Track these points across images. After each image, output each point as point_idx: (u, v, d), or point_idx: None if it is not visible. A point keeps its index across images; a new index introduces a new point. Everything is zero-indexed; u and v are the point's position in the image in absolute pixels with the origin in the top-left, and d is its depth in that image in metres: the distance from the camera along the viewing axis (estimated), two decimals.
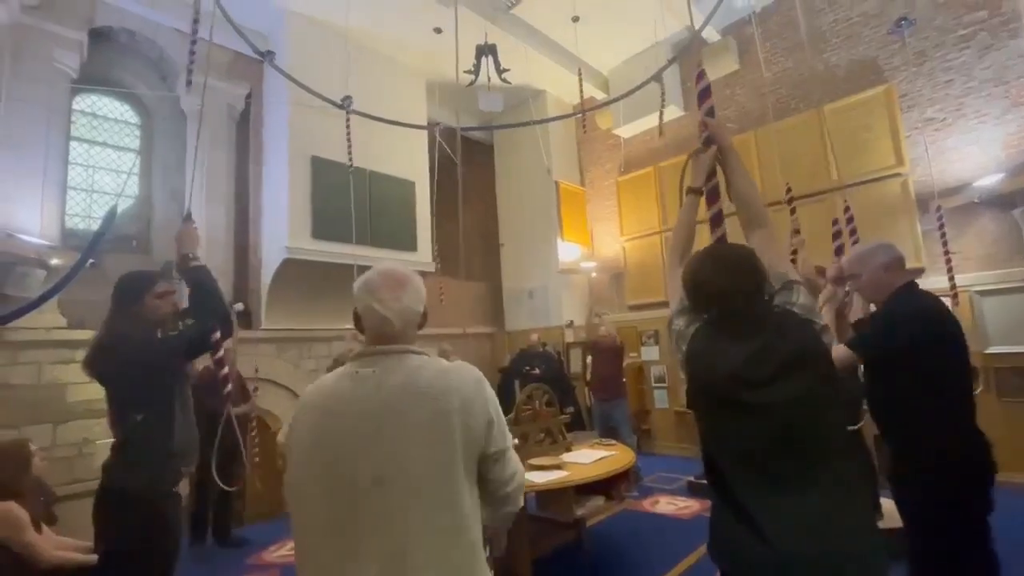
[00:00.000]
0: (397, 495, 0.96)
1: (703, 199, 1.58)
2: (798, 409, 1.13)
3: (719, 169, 1.58)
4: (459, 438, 1.00)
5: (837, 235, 3.15)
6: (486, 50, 5.08)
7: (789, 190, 3.27)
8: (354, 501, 0.97)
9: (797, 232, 2.90)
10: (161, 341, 1.91)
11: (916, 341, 1.73)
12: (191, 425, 1.98)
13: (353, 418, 1.01)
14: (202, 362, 3.76)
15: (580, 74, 5.55)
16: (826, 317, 2.03)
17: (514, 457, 1.14)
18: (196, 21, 2.72)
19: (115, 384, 1.85)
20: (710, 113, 1.66)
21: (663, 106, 4.60)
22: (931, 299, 1.86)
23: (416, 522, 0.95)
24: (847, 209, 3.33)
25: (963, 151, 4.78)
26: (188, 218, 2.08)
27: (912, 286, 1.89)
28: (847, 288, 2.19)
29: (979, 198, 4.54)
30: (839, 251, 2.61)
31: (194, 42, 2.76)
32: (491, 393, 1.10)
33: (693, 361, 1.27)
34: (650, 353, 6.81)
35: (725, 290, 1.21)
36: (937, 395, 1.72)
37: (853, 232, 3.19)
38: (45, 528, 2.51)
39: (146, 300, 1.94)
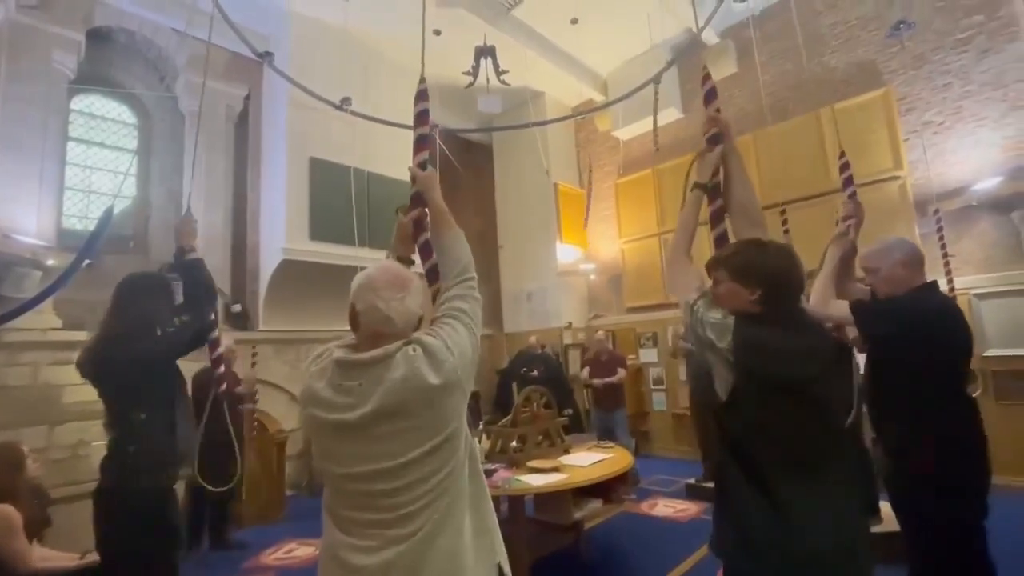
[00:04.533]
0: (389, 483, 1.00)
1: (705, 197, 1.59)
2: (834, 403, 1.25)
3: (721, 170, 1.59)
4: (444, 419, 1.03)
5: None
6: (485, 52, 5.08)
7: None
8: (350, 488, 1.04)
9: (786, 231, 2.84)
10: (162, 337, 1.91)
11: (922, 337, 1.71)
12: (190, 427, 1.98)
13: (344, 427, 1.02)
14: (200, 364, 3.73)
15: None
16: (832, 257, 2.02)
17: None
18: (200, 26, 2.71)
19: (117, 384, 1.84)
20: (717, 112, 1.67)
21: (657, 112, 4.56)
22: (949, 301, 1.87)
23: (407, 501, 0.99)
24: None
25: (961, 154, 4.79)
26: (187, 213, 2.13)
27: (933, 286, 1.88)
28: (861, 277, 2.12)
29: (977, 201, 4.55)
30: (852, 195, 2.47)
31: (190, 44, 2.76)
32: (437, 351, 1.04)
33: (754, 354, 1.22)
34: (648, 355, 6.81)
35: (802, 285, 1.30)
36: (936, 397, 1.71)
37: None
38: (35, 542, 2.49)
39: (154, 303, 1.94)
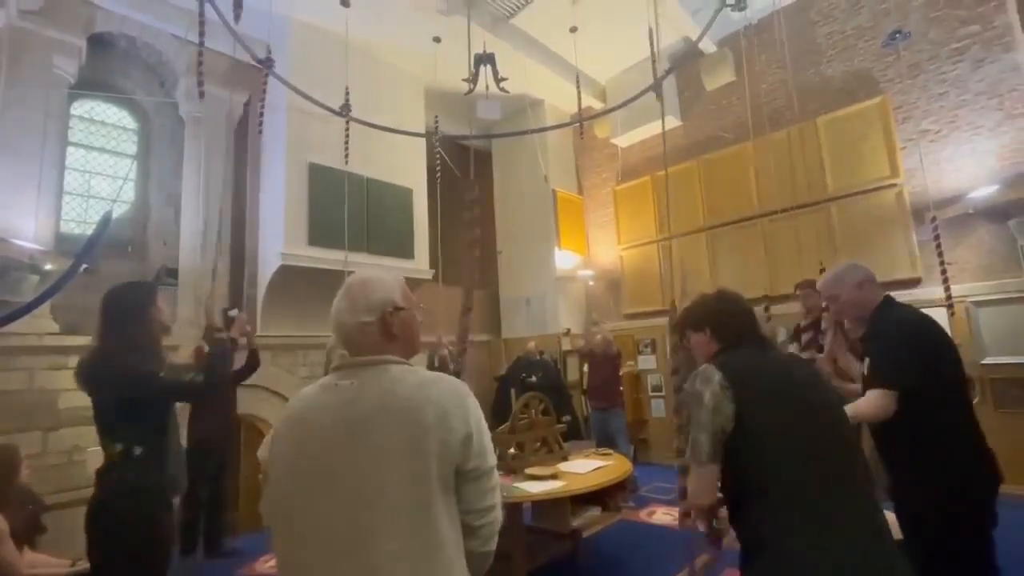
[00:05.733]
0: (372, 511, 0.93)
1: None
2: (837, 408, 1.29)
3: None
4: (435, 452, 0.95)
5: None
6: (484, 59, 5.11)
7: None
8: (330, 516, 0.95)
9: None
10: (158, 379, 1.84)
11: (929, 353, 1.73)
12: (179, 445, 1.97)
13: (331, 431, 0.98)
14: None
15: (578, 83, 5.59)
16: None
17: (495, 487, 1.05)
18: (202, 34, 2.73)
19: (108, 399, 1.82)
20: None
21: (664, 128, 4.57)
22: (913, 312, 1.88)
23: (391, 540, 0.92)
24: None
25: (958, 162, 4.82)
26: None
27: (889, 300, 1.92)
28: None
29: (974, 209, 4.57)
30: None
31: (201, 53, 2.77)
32: (474, 407, 1.04)
33: (741, 375, 1.29)
34: (647, 362, 6.80)
35: (743, 311, 1.47)
36: (937, 407, 1.71)
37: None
38: (25, 548, 2.46)
39: (140, 316, 1.88)
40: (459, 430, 0.99)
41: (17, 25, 4.57)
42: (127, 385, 1.78)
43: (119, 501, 1.75)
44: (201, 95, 2.76)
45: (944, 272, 3.78)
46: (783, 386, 1.28)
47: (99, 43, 5.41)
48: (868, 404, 1.73)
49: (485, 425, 1.07)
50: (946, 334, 1.84)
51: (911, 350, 1.74)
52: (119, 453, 1.78)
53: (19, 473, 2.48)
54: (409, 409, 0.98)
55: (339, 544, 0.93)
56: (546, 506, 3.18)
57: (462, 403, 1.02)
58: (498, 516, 1.05)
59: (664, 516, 4.35)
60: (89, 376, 1.81)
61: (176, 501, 2.07)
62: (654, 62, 4.00)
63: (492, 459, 1.05)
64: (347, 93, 4.44)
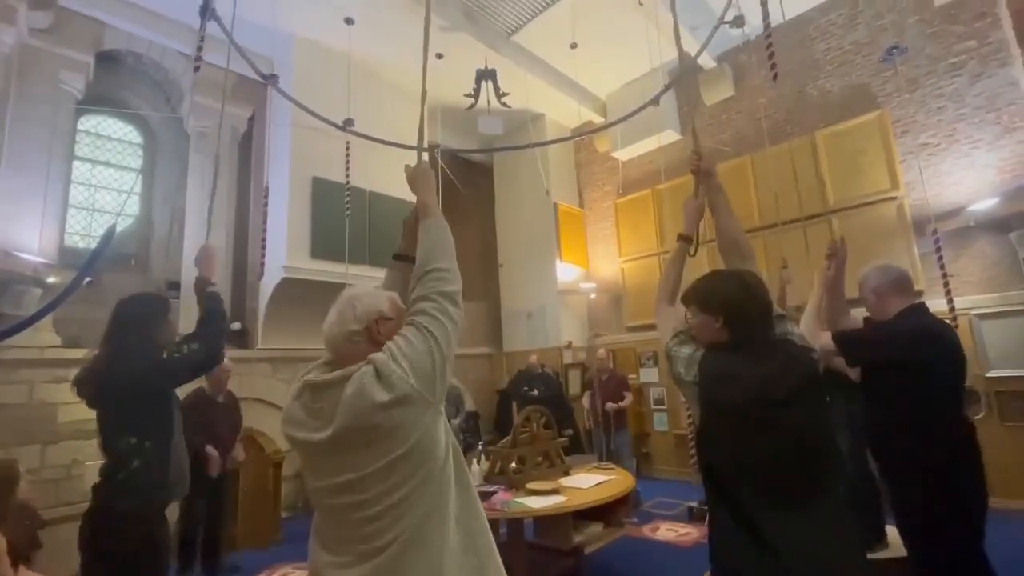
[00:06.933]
0: (358, 496, 1.01)
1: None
2: (808, 430, 1.21)
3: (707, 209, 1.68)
4: (403, 434, 1.01)
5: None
6: (486, 75, 5.17)
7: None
8: (327, 502, 1.07)
9: (785, 267, 2.92)
10: (166, 362, 1.86)
11: (908, 359, 1.73)
12: (183, 450, 1.96)
13: (313, 446, 1.06)
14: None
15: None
16: (816, 291, 2.12)
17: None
18: (200, 49, 2.77)
19: (115, 406, 1.82)
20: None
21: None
22: (932, 324, 1.86)
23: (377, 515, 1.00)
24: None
25: (957, 175, 4.84)
26: (207, 241, 2.12)
27: (918, 308, 1.89)
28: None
29: (975, 222, 4.57)
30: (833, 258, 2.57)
31: (197, 68, 2.81)
32: (383, 364, 1.02)
33: (713, 383, 1.27)
34: (649, 375, 6.76)
35: (763, 310, 1.30)
36: (935, 420, 1.70)
37: None
38: (21, 567, 2.43)
39: (155, 325, 1.93)
40: (377, 381, 1.02)
41: (27, 43, 4.65)
42: (133, 382, 1.78)
43: (113, 519, 1.73)
44: (196, 69, 2.74)
45: (946, 284, 3.77)
46: (760, 415, 1.21)
47: (106, 60, 5.50)
48: (817, 338, 1.88)
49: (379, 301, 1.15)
50: (954, 352, 1.80)
51: (888, 347, 1.78)
52: (118, 463, 1.77)
53: (17, 489, 2.46)
54: (370, 425, 1.02)
55: (339, 534, 1.06)
56: (548, 522, 3.14)
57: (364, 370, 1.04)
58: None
59: (668, 532, 4.29)
60: (91, 382, 1.82)
61: (173, 514, 2.06)
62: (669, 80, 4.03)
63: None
64: (351, 120, 4.49)
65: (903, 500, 1.76)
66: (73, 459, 4.17)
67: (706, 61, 6.45)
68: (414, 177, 1.38)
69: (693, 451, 5.11)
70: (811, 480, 1.18)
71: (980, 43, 4.80)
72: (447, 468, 1.07)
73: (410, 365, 1.02)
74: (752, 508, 1.17)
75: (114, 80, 5.76)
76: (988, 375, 4.39)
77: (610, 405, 5.16)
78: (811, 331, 1.94)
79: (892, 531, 2.41)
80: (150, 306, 1.96)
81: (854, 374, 2.06)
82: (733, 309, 1.30)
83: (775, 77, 2.69)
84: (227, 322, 2.06)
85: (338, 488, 1.03)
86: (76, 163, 5.56)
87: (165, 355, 1.88)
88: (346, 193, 4.58)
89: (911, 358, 1.73)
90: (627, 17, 5.79)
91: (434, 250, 1.19)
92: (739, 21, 3.95)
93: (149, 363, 1.83)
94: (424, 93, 1.75)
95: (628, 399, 5.28)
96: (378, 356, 1.04)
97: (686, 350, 1.36)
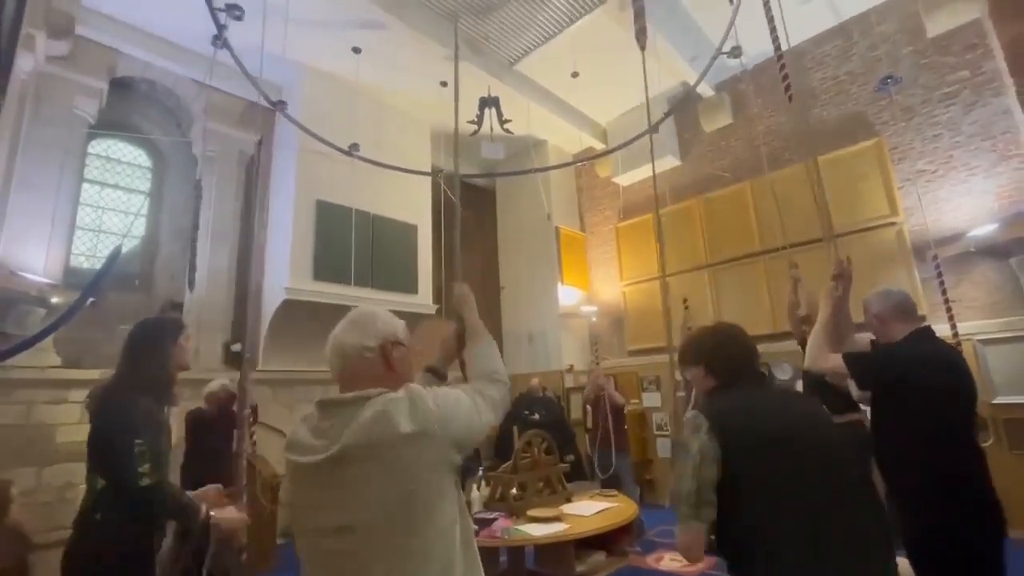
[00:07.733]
0: (357, 545, 0.95)
1: None
2: (831, 446, 1.24)
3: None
4: (413, 473, 0.97)
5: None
6: (489, 102, 5.29)
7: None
8: (320, 550, 1.00)
9: (795, 266, 2.88)
10: (128, 444, 1.71)
11: (913, 384, 1.71)
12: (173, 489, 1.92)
13: (314, 470, 1.00)
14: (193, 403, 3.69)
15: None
16: (824, 312, 2.08)
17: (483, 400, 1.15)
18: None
19: (97, 438, 1.77)
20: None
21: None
22: (938, 350, 1.84)
23: (378, 571, 0.94)
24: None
25: (955, 202, 4.88)
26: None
27: (923, 333, 1.88)
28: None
29: (975, 247, 4.59)
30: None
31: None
32: (420, 398, 1.02)
33: (731, 424, 1.25)
34: (652, 399, 6.69)
35: (742, 351, 1.42)
36: (943, 448, 1.68)
37: None
38: None
39: (164, 351, 1.90)
40: (424, 435, 0.99)
41: (43, 70, 4.78)
42: (117, 436, 1.70)
43: (96, 545, 1.69)
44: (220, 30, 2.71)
45: (949, 310, 3.77)
46: (776, 434, 1.22)
47: (120, 86, 5.65)
48: (827, 360, 1.92)
49: (446, 401, 1.08)
50: (968, 377, 1.79)
51: (890, 370, 1.78)
52: (102, 490, 1.74)
53: (8, 511, 2.43)
54: (385, 444, 0.99)
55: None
56: (549, 550, 3.07)
57: (412, 408, 1.01)
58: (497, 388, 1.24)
59: (672, 563, 4.18)
60: (95, 405, 1.80)
61: (166, 543, 2.01)
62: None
63: (462, 395, 1.12)
64: (357, 145, 4.58)
65: (915, 530, 1.72)
66: (68, 481, 4.11)
67: (704, 90, 6.59)
68: (462, 301, 1.48)
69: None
70: (834, 506, 1.15)
71: (973, 73, 4.91)
72: (455, 529, 1.00)
73: (446, 410, 1.03)
74: (774, 541, 1.13)
75: (127, 105, 5.90)
76: (994, 402, 4.34)
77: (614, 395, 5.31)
78: (819, 352, 1.94)
79: (904, 563, 2.35)
80: (157, 332, 1.94)
81: (856, 393, 2.04)
82: (709, 353, 1.43)
83: (790, 99, 2.78)
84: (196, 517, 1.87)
85: (338, 530, 0.96)
86: (85, 185, 5.65)
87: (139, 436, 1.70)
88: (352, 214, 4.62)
89: (924, 382, 1.71)
90: (626, 48, 5.94)
91: (502, 368, 1.30)
92: (736, 52, 4.05)
93: (123, 427, 1.71)
94: (456, 146, 1.79)
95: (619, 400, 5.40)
96: (415, 388, 1.04)
97: (694, 444, 1.27)
